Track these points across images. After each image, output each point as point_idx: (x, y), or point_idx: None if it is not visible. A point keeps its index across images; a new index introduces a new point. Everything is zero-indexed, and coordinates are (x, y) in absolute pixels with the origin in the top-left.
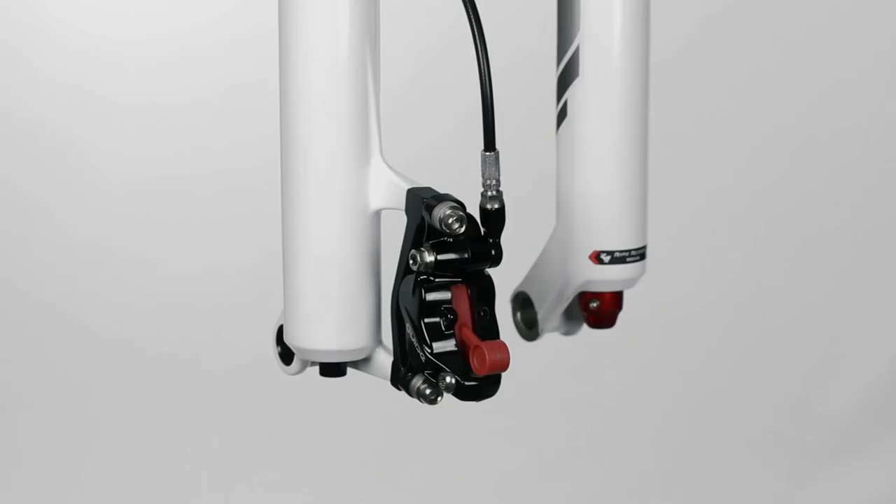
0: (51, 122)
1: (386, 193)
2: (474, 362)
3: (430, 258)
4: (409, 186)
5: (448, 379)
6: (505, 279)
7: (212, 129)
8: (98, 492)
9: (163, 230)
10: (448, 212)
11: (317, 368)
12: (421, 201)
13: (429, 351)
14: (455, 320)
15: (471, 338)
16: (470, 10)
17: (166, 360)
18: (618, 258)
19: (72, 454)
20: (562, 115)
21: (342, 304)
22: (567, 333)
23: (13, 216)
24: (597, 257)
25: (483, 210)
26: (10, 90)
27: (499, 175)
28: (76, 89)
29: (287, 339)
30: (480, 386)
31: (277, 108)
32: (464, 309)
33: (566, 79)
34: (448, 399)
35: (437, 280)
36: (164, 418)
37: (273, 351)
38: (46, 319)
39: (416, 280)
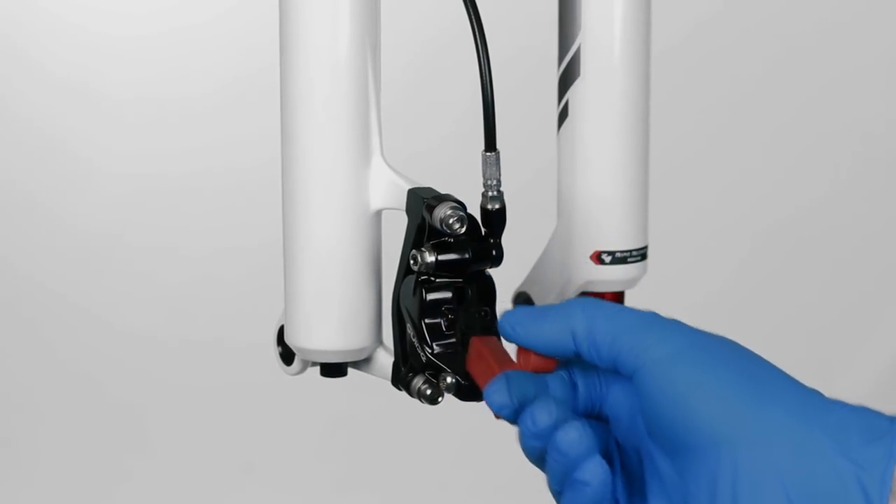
0: (52, 117)
1: (387, 193)
2: (520, 360)
3: (430, 258)
4: (410, 186)
5: (449, 379)
6: (506, 279)
7: (213, 125)
8: (97, 492)
9: (163, 229)
10: (449, 212)
11: (317, 369)
12: (422, 201)
13: (429, 351)
14: (454, 322)
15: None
16: (470, 9)
17: (165, 360)
18: (619, 258)
19: (72, 454)
20: (563, 116)
21: (343, 304)
22: None
23: (15, 210)
24: (598, 257)
25: (484, 210)
26: (11, 86)
27: (500, 175)
28: (77, 84)
29: (288, 339)
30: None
31: (278, 105)
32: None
33: (567, 79)
34: (449, 399)
35: (437, 280)
36: (163, 418)
37: (274, 351)
38: (48, 311)
39: (416, 280)
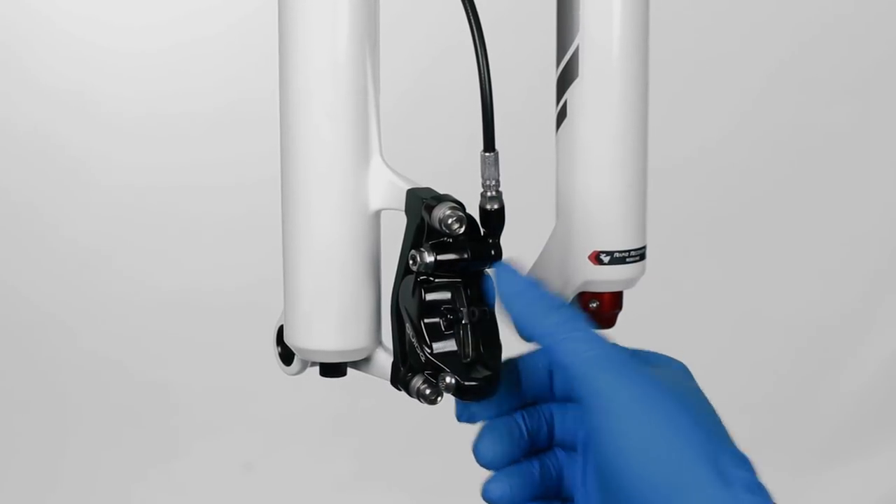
0: (51, 131)
1: (386, 194)
2: None
3: (429, 258)
4: (409, 187)
5: (448, 379)
6: None
7: (213, 135)
8: (99, 494)
9: (164, 231)
10: (448, 212)
11: (317, 369)
12: (421, 202)
13: (429, 351)
14: (454, 321)
15: None
16: (469, 10)
17: (167, 358)
18: (617, 258)
19: (73, 456)
20: (561, 116)
21: (342, 304)
22: None
23: (12, 223)
24: (596, 258)
25: (483, 210)
26: (10, 99)
27: (498, 175)
28: (76, 98)
29: (287, 339)
30: (480, 386)
31: (277, 112)
32: None
33: (565, 79)
34: (448, 399)
35: (436, 280)
36: (165, 419)
37: (273, 351)
38: (43, 319)
39: (415, 280)
